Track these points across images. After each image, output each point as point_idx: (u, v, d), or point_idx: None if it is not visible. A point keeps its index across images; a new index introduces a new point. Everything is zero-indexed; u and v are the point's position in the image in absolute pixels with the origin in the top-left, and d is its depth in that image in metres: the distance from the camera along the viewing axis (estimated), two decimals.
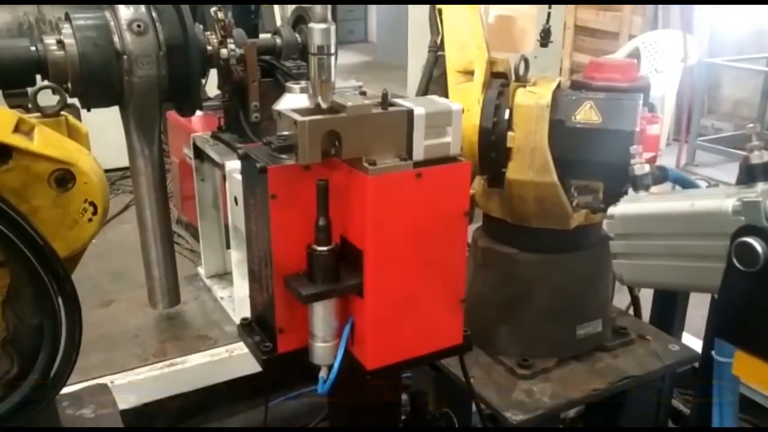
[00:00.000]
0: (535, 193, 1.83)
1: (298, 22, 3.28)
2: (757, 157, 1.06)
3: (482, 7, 2.52)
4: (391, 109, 1.34)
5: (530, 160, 1.79)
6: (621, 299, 2.49)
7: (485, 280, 2.10)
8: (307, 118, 1.25)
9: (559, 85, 1.85)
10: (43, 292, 1.22)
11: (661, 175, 1.42)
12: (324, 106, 1.31)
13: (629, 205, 1.32)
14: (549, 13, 2.62)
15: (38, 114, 1.45)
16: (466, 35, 1.89)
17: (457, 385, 1.94)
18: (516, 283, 2.02)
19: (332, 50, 1.33)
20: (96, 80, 2.47)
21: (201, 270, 3.84)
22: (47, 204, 1.31)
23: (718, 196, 1.07)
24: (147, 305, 2.98)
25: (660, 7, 7.09)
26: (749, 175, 1.06)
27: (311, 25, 1.32)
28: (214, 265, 3.77)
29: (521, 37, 4.45)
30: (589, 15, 7.44)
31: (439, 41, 1.99)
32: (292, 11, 3.37)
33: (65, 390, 2.07)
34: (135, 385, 2.83)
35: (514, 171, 1.82)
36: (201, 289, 3.71)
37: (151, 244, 2.83)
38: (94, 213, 1.37)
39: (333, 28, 1.33)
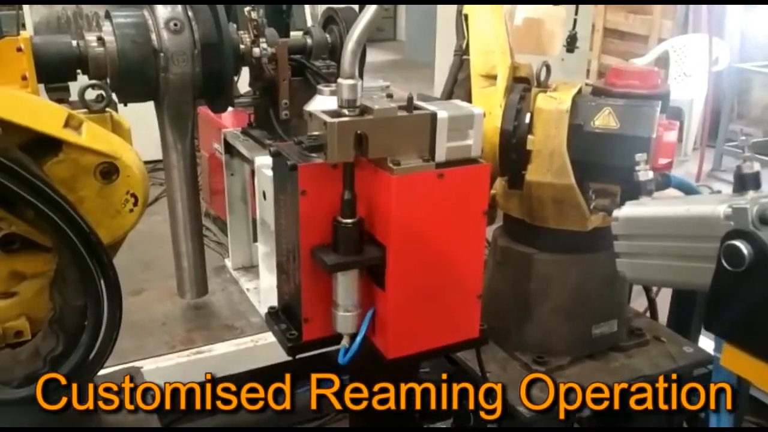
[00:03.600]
0: (553, 195, 1.89)
1: (329, 22, 3.36)
2: (747, 168, 1.14)
3: (509, 9, 2.60)
4: (415, 112, 1.41)
5: (549, 163, 1.85)
6: (641, 303, 2.54)
7: (504, 278, 2.17)
8: (336, 120, 1.33)
9: (579, 91, 1.91)
10: (88, 276, 1.31)
11: (664, 182, 1.49)
12: None
13: (633, 209, 1.40)
14: (575, 20, 2.67)
15: (85, 110, 1.54)
16: (490, 41, 1.96)
17: (474, 379, 2.01)
18: (533, 282, 2.08)
19: (358, 103, 1.40)
20: (133, 76, 2.57)
21: (228, 262, 3.94)
22: (93, 194, 1.41)
23: (712, 202, 1.15)
24: (176, 295, 3.08)
25: (691, 10, 7.07)
26: (741, 183, 1.14)
27: (340, 80, 1.40)
28: (241, 258, 3.87)
29: (549, 39, 4.44)
30: (618, 18, 7.43)
31: (464, 46, 2.06)
32: (322, 12, 3.45)
33: (101, 372, 2.19)
34: (162, 370, 2.93)
35: (533, 173, 1.89)
36: (228, 281, 3.81)
37: (181, 236, 2.93)
38: (135, 204, 1.46)
39: (360, 83, 1.40)
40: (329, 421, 2.94)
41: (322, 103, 1.46)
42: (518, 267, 2.11)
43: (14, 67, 1.97)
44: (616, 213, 1.44)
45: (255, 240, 3.71)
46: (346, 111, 1.37)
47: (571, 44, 2.54)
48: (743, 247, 1.04)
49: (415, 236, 1.44)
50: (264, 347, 3.06)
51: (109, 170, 1.41)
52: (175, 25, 2.62)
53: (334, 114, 1.37)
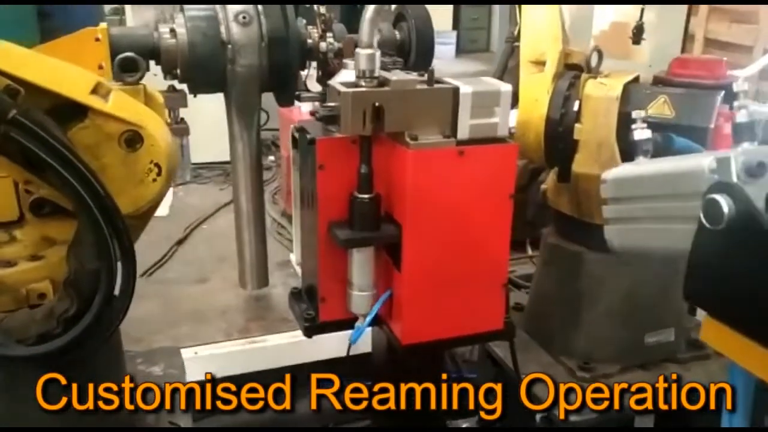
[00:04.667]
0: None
1: (399, 19, 3.34)
2: (742, 116, 0.99)
3: (597, 9, 2.47)
4: (436, 86, 1.35)
5: (597, 154, 1.74)
6: None
7: (551, 278, 2.06)
8: (350, 90, 1.30)
9: (637, 80, 1.79)
10: (102, 240, 1.32)
11: (664, 143, 1.35)
12: None
13: (621, 169, 1.28)
14: (642, 9, 2.53)
15: (120, 83, 1.57)
16: (542, 26, 1.87)
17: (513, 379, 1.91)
18: (582, 283, 1.97)
19: (375, 74, 1.37)
20: (202, 67, 2.62)
21: (293, 257, 3.96)
22: (116, 162, 1.42)
23: (702, 157, 1.01)
24: (238, 286, 3.12)
25: None
26: (736, 135, 0.99)
27: (357, 50, 1.38)
28: None
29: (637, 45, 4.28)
30: (720, 27, 7.02)
31: (516, 32, 1.98)
32: (393, 9, 3.44)
33: (142, 349, 2.23)
34: (217, 357, 2.97)
35: (580, 164, 1.78)
36: (290, 275, 3.81)
37: (244, 226, 2.97)
38: (159, 174, 1.46)
39: (378, 54, 1.38)
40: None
41: (346, 76, 1.43)
42: (566, 266, 2.00)
43: (92, 56, 2.06)
44: (604, 175, 1.34)
45: None
46: (362, 82, 1.33)
47: (636, 36, 2.40)
48: (723, 202, 0.90)
49: (434, 215, 1.37)
50: (318, 341, 3.04)
51: (133, 138, 1.42)
52: (244, 18, 2.66)
53: (350, 85, 1.33)
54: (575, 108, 1.77)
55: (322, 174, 1.39)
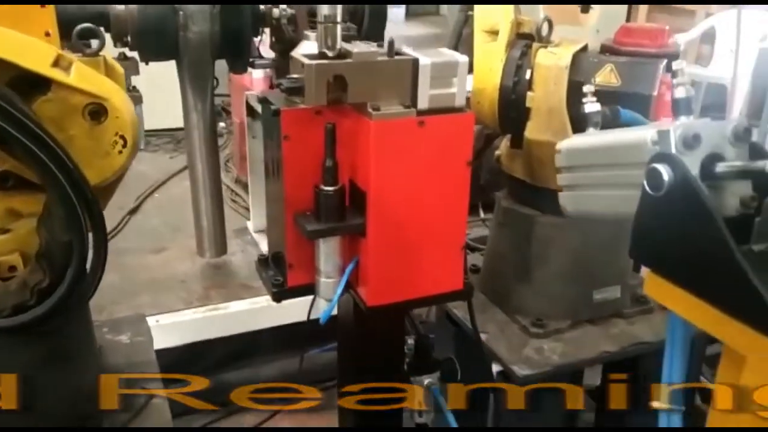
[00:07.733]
0: (552, 154, 1.86)
1: None
2: (680, 92, 1.11)
3: None
4: (396, 57, 1.40)
5: (548, 121, 1.82)
6: None
7: (505, 239, 2.15)
8: (314, 62, 1.34)
9: (585, 49, 1.87)
10: (72, 212, 1.34)
11: (612, 116, 1.46)
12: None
13: (573, 140, 1.38)
14: None
15: (79, 54, 1.57)
16: None
17: (471, 338, 2.00)
18: (534, 244, 2.06)
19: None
20: (153, 34, 2.60)
21: (249, 224, 3.98)
22: (82, 134, 1.43)
23: (644, 129, 1.12)
24: (196, 254, 3.14)
25: None
26: (675, 110, 1.10)
27: (319, 23, 1.39)
28: (262, 220, 3.89)
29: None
30: None
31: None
32: None
33: (109, 317, 2.25)
34: (178, 325, 3.01)
35: (532, 131, 1.86)
36: (249, 243, 3.84)
37: (200, 195, 2.97)
38: (124, 145, 1.48)
39: (340, 27, 1.40)
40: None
41: (307, 48, 1.46)
42: (520, 229, 2.09)
43: (38, 22, 2.01)
44: (558, 146, 1.45)
45: None
46: (326, 54, 1.37)
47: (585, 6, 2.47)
48: (663, 171, 1.01)
49: (396, 183, 1.43)
50: (279, 306, 3.09)
51: (97, 111, 1.43)
52: None
53: (313, 57, 1.37)
54: (527, 76, 1.84)
55: (287, 144, 1.44)
